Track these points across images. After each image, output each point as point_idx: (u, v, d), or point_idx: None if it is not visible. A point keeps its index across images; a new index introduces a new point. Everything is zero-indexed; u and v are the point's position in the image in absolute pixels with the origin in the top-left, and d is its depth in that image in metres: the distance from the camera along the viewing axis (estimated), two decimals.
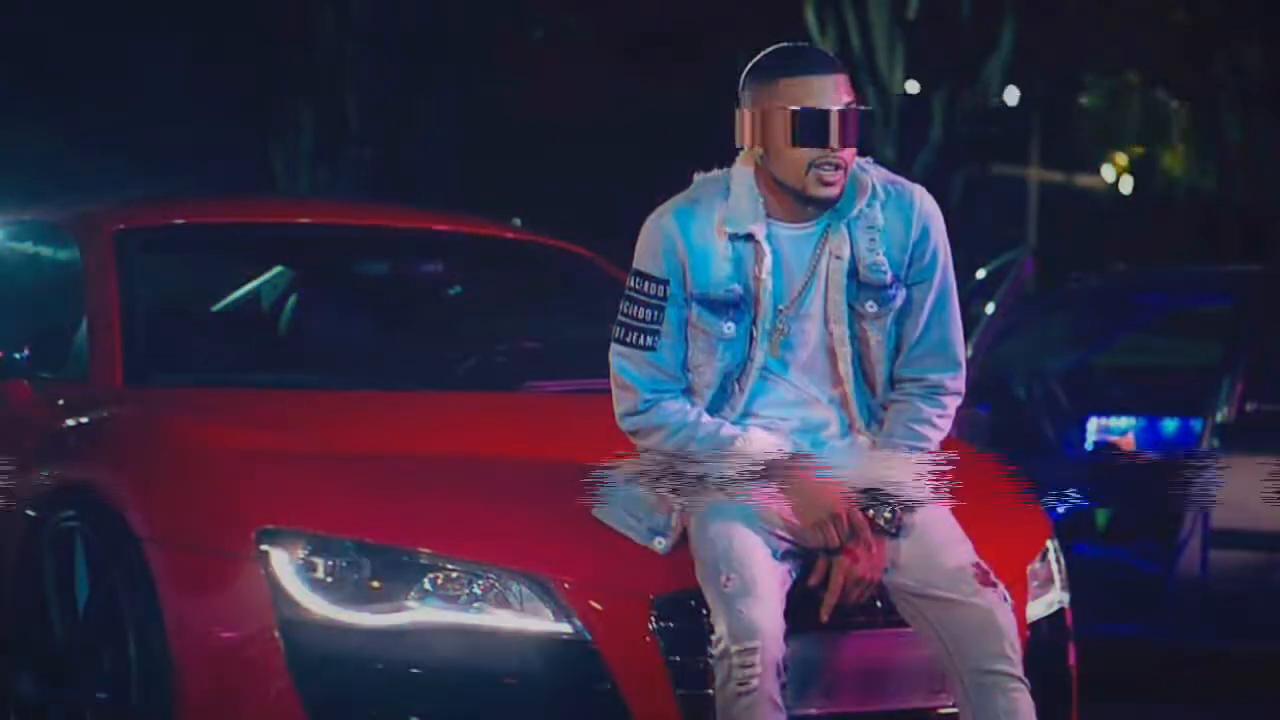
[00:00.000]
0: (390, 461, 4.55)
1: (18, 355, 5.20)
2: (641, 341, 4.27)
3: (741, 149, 4.29)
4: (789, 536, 4.22)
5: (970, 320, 6.21)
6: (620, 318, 4.30)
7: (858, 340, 4.30)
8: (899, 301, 4.30)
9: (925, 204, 4.32)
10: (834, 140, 4.18)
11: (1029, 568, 4.70)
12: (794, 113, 4.18)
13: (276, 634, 4.22)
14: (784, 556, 4.20)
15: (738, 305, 4.25)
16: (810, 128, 4.17)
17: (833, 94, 4.19)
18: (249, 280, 6.42)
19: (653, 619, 4.23)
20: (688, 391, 4.31)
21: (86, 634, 4.59)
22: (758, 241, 4.24)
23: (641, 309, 4.27)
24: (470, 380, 5.49)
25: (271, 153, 16.10)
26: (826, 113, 4.18)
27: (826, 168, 4.19)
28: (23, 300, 5.94)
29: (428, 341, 6.01)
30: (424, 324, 6.15)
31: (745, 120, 4.25)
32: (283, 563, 4.26)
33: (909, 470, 4.25)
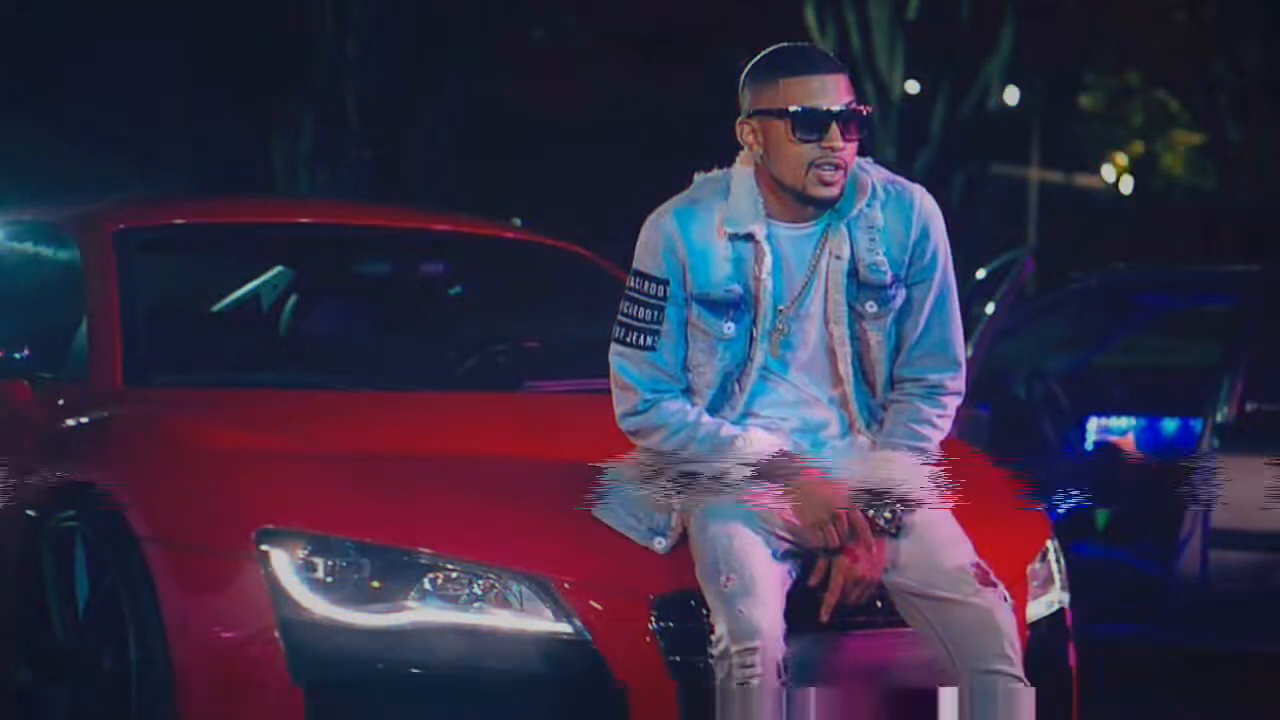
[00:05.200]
0: (390, 461, 4.55)
1: (18, 355, 5.20)
2: (641, 341, 4.27)
3: (742, 149, 4.29)
4: (789, 536, 4.22)
5: (970, 320, 6.21)
6: (620, 318, 4.30)
7: (857, 340, 4.29)
8: (899, 301, 4.30)
9: (925, 204, 4.31)
10: (834, 140, 4.17)
11: (1029, 568, 4.70)
12: (795, 112, 4.18)
13: (276, 634, 4.22)
14: (784, 556, 4.20)
15: (738, 305, 4.25)
16: (811, 127, 4.17)
17: (833, 93, 4.19)
18: (249, 280, 6.42)
19: (653, 619, 4.23)
20: (688, 391, 4.31)
21: (86, 634, 4.59)
22: (758, 241, 4.24)
23: (641, 309, 4.27)
24: (470, 380, 5.49)
25: (271, 153, 16.08)
26: (827, 112, 4.18)
27: (827, 168, 4.18)
28: (23, 300, 5.94)
29: (428, 341, 6.01)
30: (424, 324, 6.15)
31: (745, 120, 4.25)
32: (283, 563, 4.25)
33: (909, 470, 4.25)
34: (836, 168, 4.19)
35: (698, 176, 4.35)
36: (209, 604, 4.32)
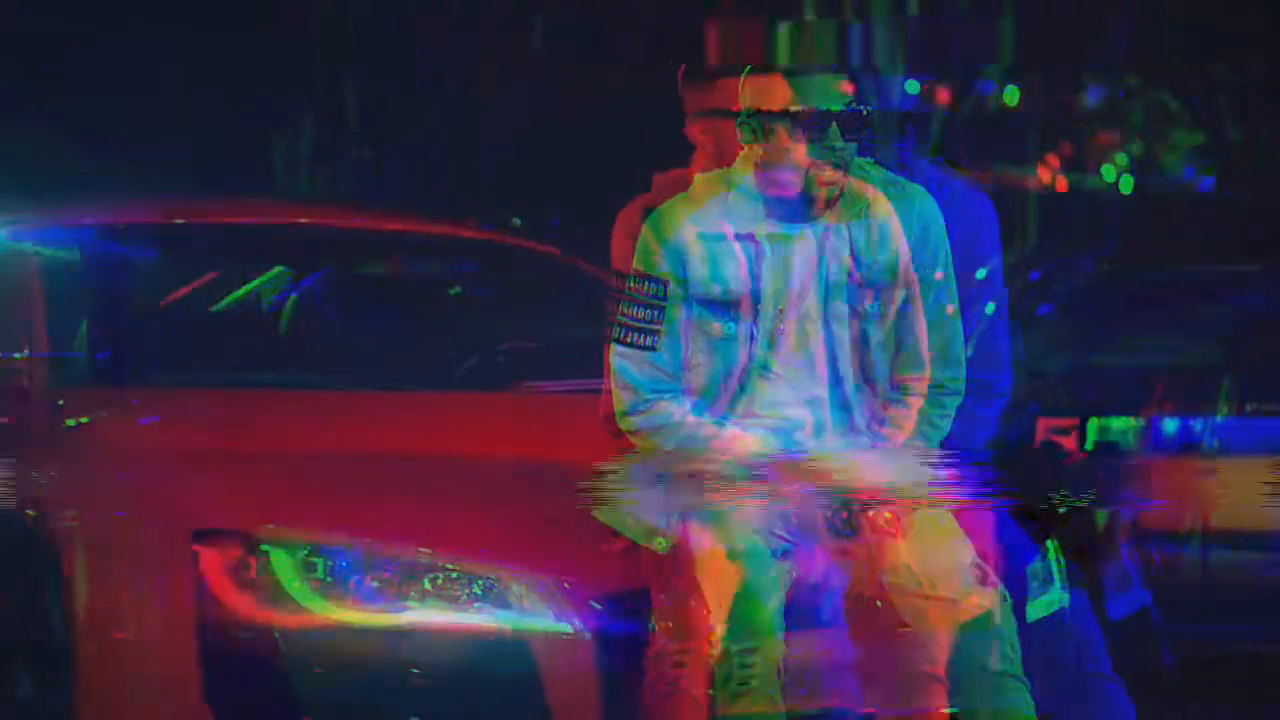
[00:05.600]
0: (390, 462, 4.56)
1: (18, 355, 5.20)
2: (642, 342, 4.27)
3: (695, 150, 4.30)
4: (788, 536, 4.22)
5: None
6: (620, 318, 4.30)
7: (857, 340, 4.29)
8: (898, 302, 4.30)
9: (925, 205, 4.31)
10: (783, 140, 4.15)
11: (1029, 568, 4.70)
12: (744, 113, 4.17)
13: (276, 634, 4.22)
14: (783, 556, 4.21)
15: (736, 305, 4.25)
16: (756, 129, 4.16)
17: (784, 94, 4.16)
18: (248, 280, 6.42)
19: (652, 619, 4.23)
20: (687, 391, 4.31)
21: (86, 633, 4.59)
22: (757, 241, 4.24)
23: (641, 309, 4.27)
24: (470, 380, 5.49)
25: (271, 153, 16.08)
26: (772, 113, 4.15)
27: (776, 168, 4.17)
28: (23, 300, 5.93)
29: (428, 341, 6.01)
30: (424, 324, 6.15)
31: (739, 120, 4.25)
32: (283, 563, 4.26)
33: (909, 470, 4.25)
34: (787, 168, 4.16)
35: (698, 176, 4.35)
36: (201, 604, 4.32)
